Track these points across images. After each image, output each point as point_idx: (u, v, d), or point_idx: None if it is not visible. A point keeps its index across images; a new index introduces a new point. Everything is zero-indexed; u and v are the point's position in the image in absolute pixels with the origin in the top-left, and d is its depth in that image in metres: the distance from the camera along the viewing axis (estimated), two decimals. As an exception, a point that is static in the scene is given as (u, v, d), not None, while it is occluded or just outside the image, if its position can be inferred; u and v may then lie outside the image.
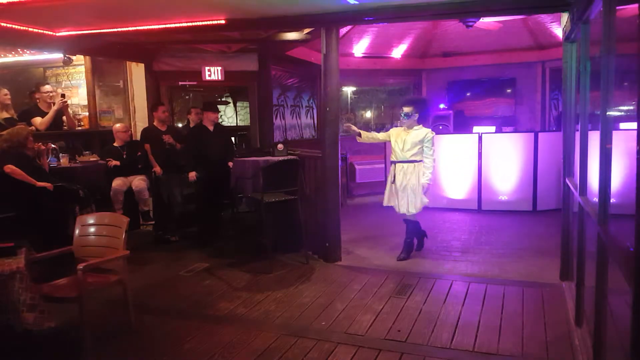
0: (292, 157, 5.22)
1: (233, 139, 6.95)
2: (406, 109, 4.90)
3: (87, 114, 7.09)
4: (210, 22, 4.82)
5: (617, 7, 2.05)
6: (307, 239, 5.09)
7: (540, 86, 9.10)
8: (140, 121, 6.94)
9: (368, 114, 10.17)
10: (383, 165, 7.76)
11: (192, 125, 6.39)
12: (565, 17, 4.06)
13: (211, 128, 5.78)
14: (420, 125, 4.93)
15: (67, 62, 5.99)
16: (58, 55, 5.97)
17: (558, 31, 7.37)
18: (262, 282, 4.49)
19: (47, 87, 6.21)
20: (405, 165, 4.88)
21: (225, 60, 6.94)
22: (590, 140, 3.00)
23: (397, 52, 9.18)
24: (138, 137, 6.31)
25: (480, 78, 9.35)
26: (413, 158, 4.84)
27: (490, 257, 5.02)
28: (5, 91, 5.65)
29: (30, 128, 5.41)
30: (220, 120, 6.85)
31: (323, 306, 3.86)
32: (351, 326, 3.49)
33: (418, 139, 4.83)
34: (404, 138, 4.91)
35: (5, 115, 5.58)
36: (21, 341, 3.05)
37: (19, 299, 2.83)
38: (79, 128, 6.88)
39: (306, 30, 6.06)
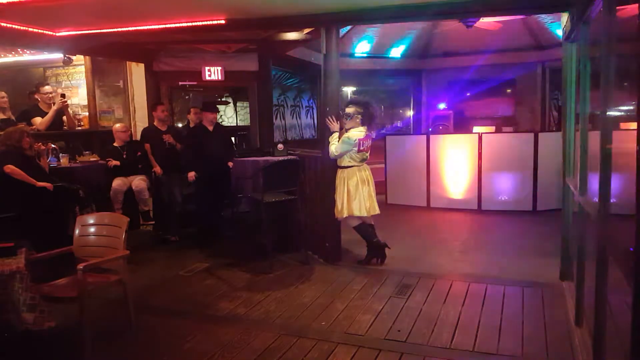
0: (292, 157, 5.22)
1: (233, 139, 6.95)
2: (347, 109, 4.68)
3: (87, 114, 7.10)
4: (210, 22, 4.82)
5: (617, 7, 2.06)
6: (307, 239, 5.08)
7: (540, 86, 9.12)
8: (140, 121, 6.95)
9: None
10: (383, 165, 7.76)
11: (192, 125, 6.40)
12: (565, 17, 4.06)
13: (210, 128, 5.77)
14: (362, 128, 4.64)
15: (67, 62, 6.00)
16: (58, 55, 5.98)
17: (558, 31, 7.37)
18: (262, 282, 4.48)
19: (47, 88, 6.22)
20: (339, 170, 4.72)
21: (225, 60, 6.95)
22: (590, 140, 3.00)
23: (397, 52, 9.19)
24: (138, 137, 6.31)
25: (480, 78, 9.35)
26: (343, 164, 4.64)
27: (490, 257, 5.02)
28: (3, 94, 5.67)
29: (31, 128, 5.41)
30: (220, 120, 6.86)
31: (323, 306, 3.86)
32: (351, 326, 3.48)
33: None
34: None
35: (2, 116, 5.59)
36: (21, 341, 3.05)
37: (19, 299, 2.83)
38: (79, 128, 6.89)
39: (306, 30, 6.06)
